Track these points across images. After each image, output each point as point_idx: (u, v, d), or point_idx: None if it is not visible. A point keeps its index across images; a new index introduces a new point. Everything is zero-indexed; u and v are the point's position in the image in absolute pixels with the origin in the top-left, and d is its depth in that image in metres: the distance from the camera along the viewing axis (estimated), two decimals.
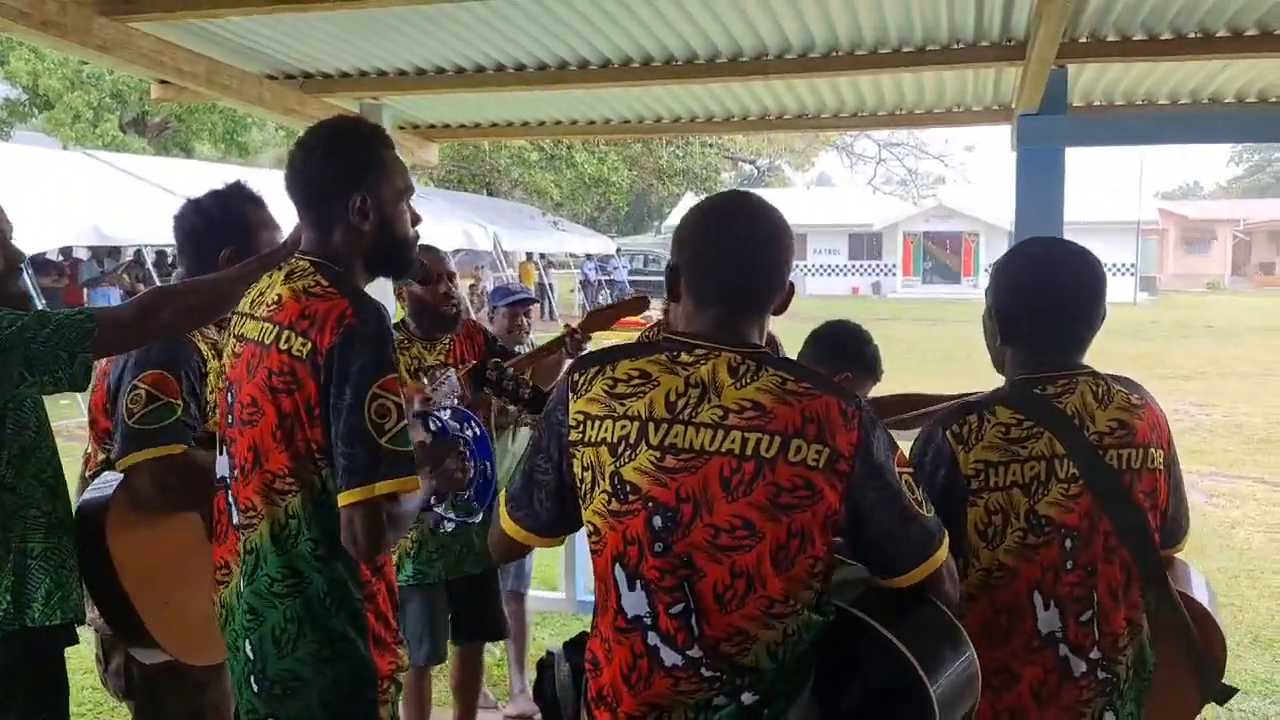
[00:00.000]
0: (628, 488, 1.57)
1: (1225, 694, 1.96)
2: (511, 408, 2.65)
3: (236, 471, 1.93)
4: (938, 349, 19.22)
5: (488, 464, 2.43)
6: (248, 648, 1.91)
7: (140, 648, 2.31)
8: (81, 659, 3.71)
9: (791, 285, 1.71)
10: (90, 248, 14.87)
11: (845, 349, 2.62)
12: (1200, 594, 2.02)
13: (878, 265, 38.51)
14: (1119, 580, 1.83)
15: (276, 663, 1.88)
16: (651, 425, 1.57)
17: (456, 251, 20.61)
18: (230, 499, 1.97)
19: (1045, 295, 1.91)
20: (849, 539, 1.59)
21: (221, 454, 2.01)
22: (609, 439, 1.60)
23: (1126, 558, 1.83)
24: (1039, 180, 3.98)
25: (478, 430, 2.41)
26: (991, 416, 1.83)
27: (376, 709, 1.93)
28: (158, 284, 15.41)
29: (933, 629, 1.62)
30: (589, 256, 27.22)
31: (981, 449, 1.81)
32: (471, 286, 24.20)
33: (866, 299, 34.71)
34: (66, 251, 14.85)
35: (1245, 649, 5.07)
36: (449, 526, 2.41)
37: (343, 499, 1.79)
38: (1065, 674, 1.80)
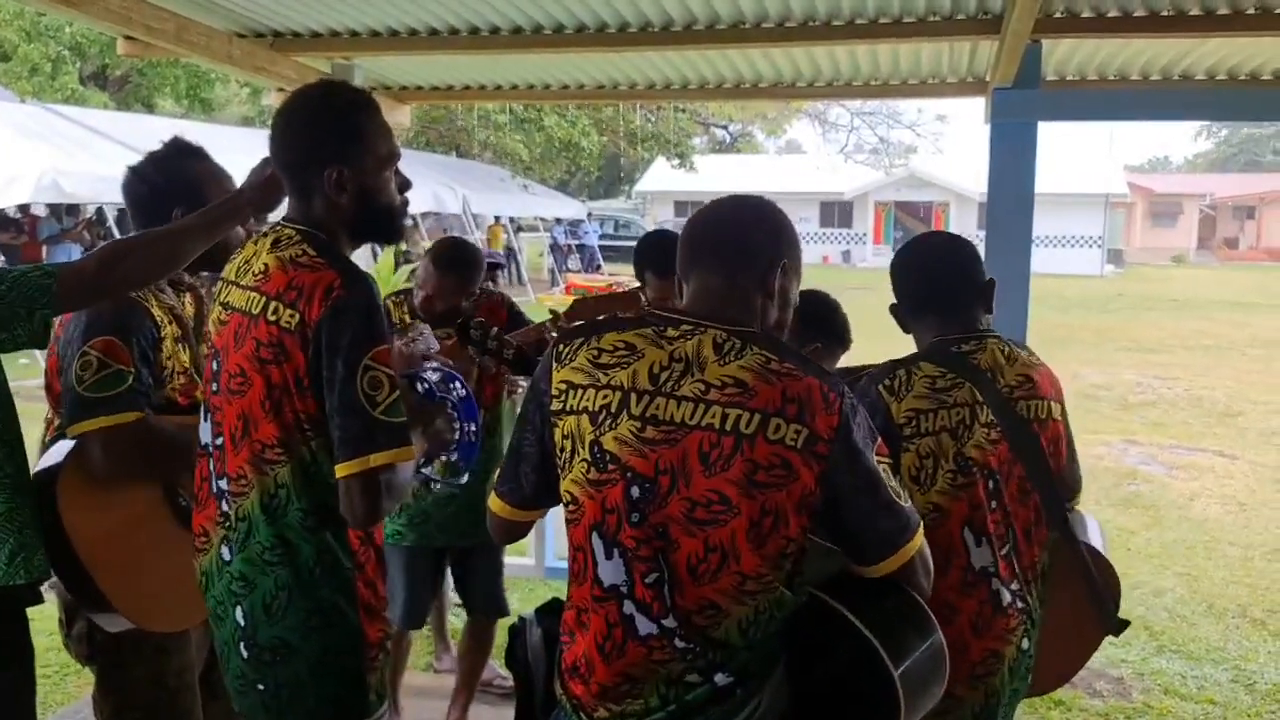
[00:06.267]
0: (607, 457, 1.59)
1: (1120, 626, 2.14)
2: (493, 367, 2.65)
3: (224, 440, 1.91)
4: None
5: (473, 424, 2.42)
6: (238, 614, 1.91)
7: (100, 614, 2.29)
8: (48, 619, 3.69)
9: (785, 290, 1.72)
10: (49, 204, 14.57)
11: (814, 319, 2.62)
12: (1095, 539, 2.21)
13: (848, 234, 38.57)
14: (1030, 519, 2.03)
15: (267, 629, 1.88)
16: (634, 396, 1.58)
17: (425, 215, 20.46)
18: (211, 466, 1.96)
19: (930, 271, 2.17)
20: (824, 524, 1.60)
21: (205, 421, 1.99)
22: (590, 407, 1.61)
23: (1037, 500, 2.01)
24: (1012, 154, 3.99)
25: (463, 391, 2.41)
26: (918, 370, 2.01)
27: (365, 676, 1.93)
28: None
29: (900, 614, 1.65)
30: (559, 220, 27.07)
31: (912, 399, 1.97)
32: None
33: (837, 267, 34.78)
34: (24, 208, 14.55)
35: (1200, 617, 5.19)
36: (437, 488, 2.41)
37: (339, 470, 1.79)
38: (996, 605, 1.96)
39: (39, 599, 2.20)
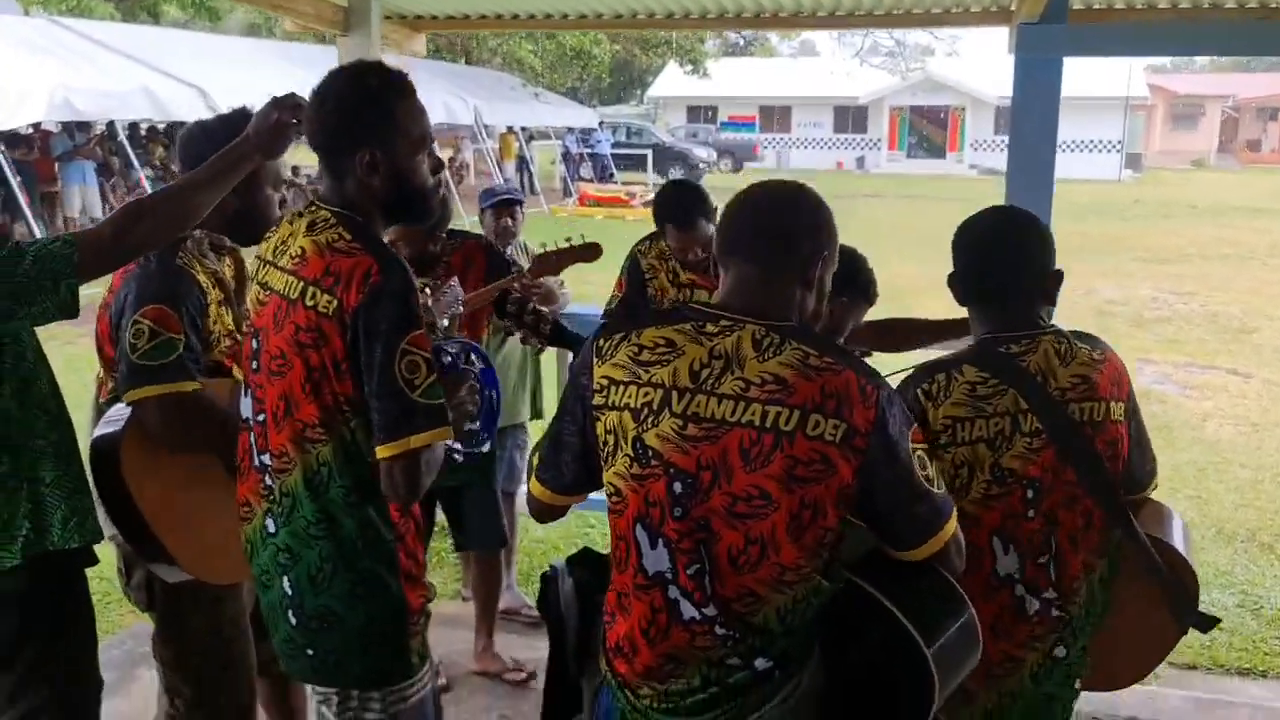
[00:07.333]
0: (650, 453, 1.63)
1: (1207, 623, 2.08)
2: (534, 341, 2.70)
3: (266, 417, 1.97)
4: (921, 228, 19.14)
5: (494, 392, 2.48)
6: (285, 584, 1.99)
7: (162, 566, 2.39)
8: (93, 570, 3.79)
9: (823, 281, 1.73)
10: (61, 121, 14.51)
11: (840, 274, 2.62)
12: (1176, 537, 2.12)
13: (862, 139, 38.02)
14: (1079, 525, 1.95)
15: (314, 599, 1.96)
16: (675, 394, 1.62)
17: (438, 127, 20.24)
18: (253, 440, 2.02)
19: (987, 258, 2.05)
20: (860, 511, 1.65)
21: (246, 396, 2.05)
22: (632, 404, 1.65)
23: (1090, 505, 1.95)
24: (1036, 88, 3.94)
25: (482, 363, 2.47)
26: (959, 375, 1.93)
27: (408, 641, 2.02)
28: (131, 156, 15.07)
29: (932, 595, 1.70)
30: (570, 129, 26.74)
31: (950, 405, 1.91)
32: (450, 159, 23.84)
33: (850, 174, 34.39)
34: (35, 124, 14.46)
35: (1209, 542, 5.27)
36: (458, 459, 2.48)
37: (380, 452, 1.85)
38: (1019, 611, 1.94)
39: (94, 560, 2.29)
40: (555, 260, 3.36)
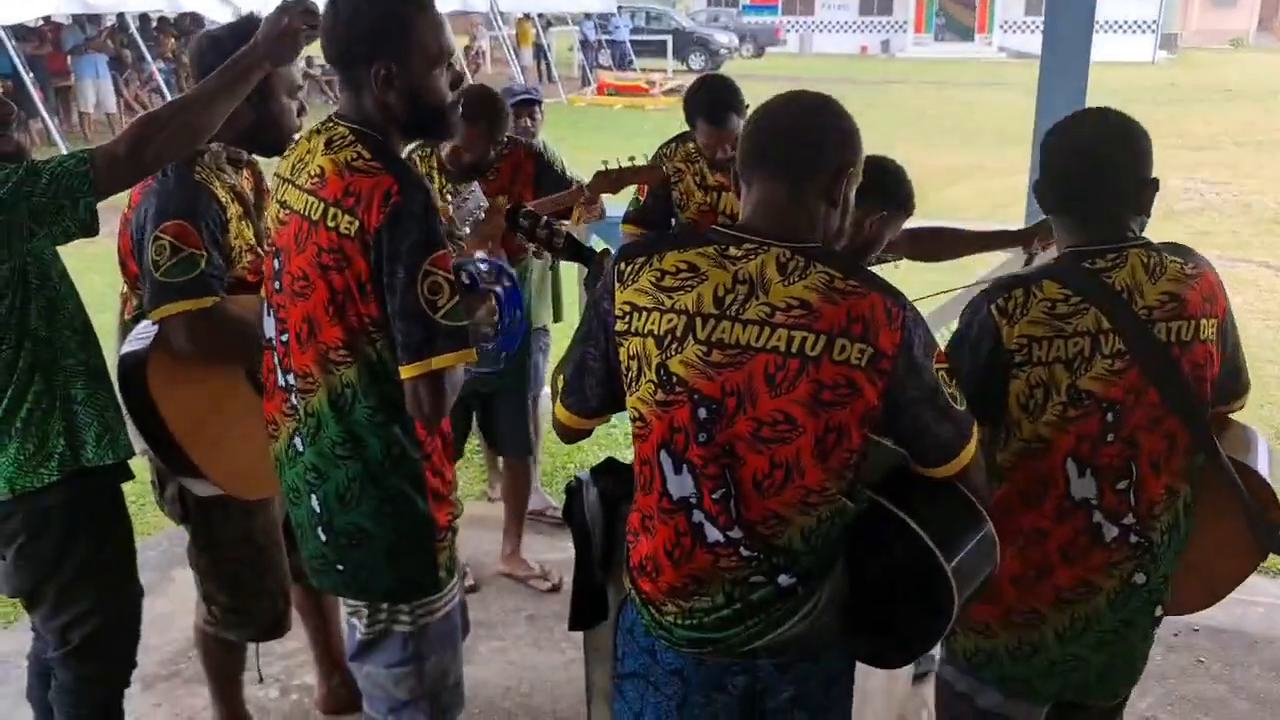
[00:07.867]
0: (674, 379, 1.62)
1: None
2: (546, 255, 2.66)
3: (289, 337, 1.97)
4: (947, 115, 18.78)
5: (518, 312, 2.46)
6: (314, 501, 2.01)
7: (192, 480, 2.43)
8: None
9: (848, 198, 1.69)
10: (72, 15, 14.28)
11: (879, 187, 2.48)
12: (1260, 460, 2.04)
13: (888, 22, 36.80)
14: (1161, 449, 1.87)
15: (342, 517, 1.99)
16: (699, 320, 1.60)
17: (453, 15, 19.78)
18: (277, 360, 2.03)
19: (1077, 164, 1.92)
20: (885, 431, 1.64)
21: (268, 315, 2.05)
22: (656, 331, 1.63)
23: (1173, 426, 1.85)
24: None
25: (508, 283, 2.44)
26: (1038, 291, 1.83)
27: (436, 556, 2.06)
28: (143, 48, 14.86)
29: (952, 511, 1.70)
30: (588, 15, 26.07)
31: (1026, 324, 1.82)
32: (466, 47, 23.35)
33: (875, 58, 33.48)
34: (46, 18, 14.24)
35: None
36: (470, 374, 2.47)
37: (404, 372, 1.86)
38: (1095, 537, 1.87)
39: (130, 475, 2.34)
40: (616, 179, 3.36)
